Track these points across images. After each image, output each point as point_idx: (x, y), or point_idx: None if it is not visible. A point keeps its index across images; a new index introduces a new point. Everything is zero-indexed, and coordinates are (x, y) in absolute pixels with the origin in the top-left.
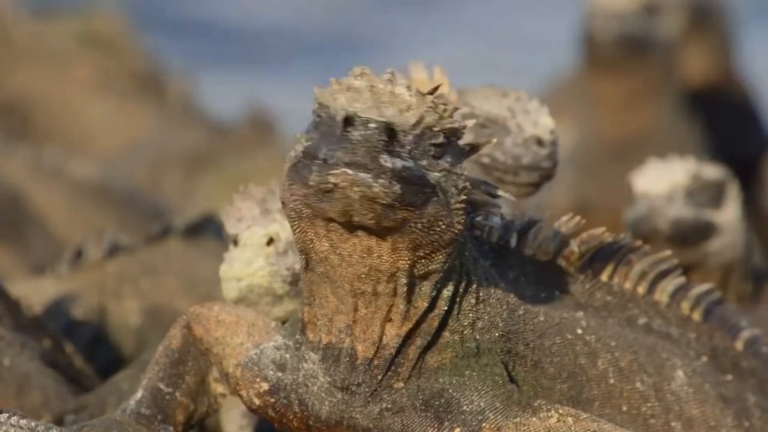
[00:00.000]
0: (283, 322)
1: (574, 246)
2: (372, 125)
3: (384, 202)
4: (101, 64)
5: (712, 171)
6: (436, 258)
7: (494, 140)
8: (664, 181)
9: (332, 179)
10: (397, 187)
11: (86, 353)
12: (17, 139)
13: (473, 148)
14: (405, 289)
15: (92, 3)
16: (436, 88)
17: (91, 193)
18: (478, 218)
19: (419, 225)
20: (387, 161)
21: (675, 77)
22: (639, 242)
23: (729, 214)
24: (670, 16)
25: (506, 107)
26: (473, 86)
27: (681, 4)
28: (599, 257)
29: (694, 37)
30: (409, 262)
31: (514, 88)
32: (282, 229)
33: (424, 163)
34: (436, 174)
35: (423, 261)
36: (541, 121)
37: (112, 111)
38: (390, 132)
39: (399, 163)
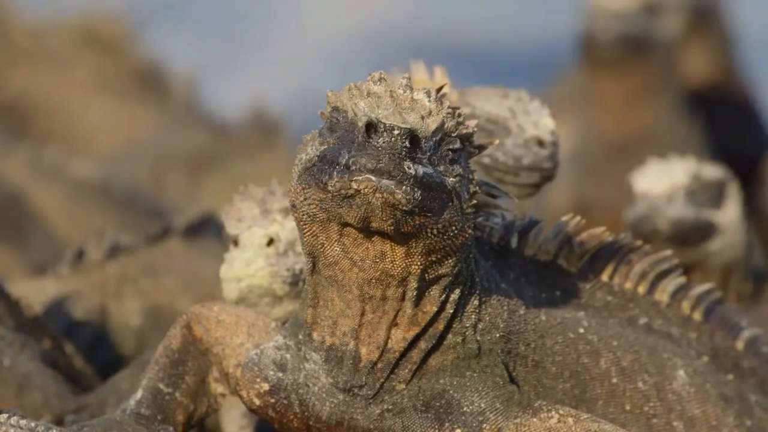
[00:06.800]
0: (283, 323)
1: (575, 246)
2: (396, 132)
3: (405, 208)
4: (101, 64)
5: (713, 171)
6: (447, 262)
7: (497, 141)
8: (664, 181)
9: (355, 185)
10: (418, 194)
11: (87, 353)
12: (17, 139)
13: (479, 149)
14: (414, 293)
15: (93, 3)
16: (440, 88)
17: (92, 193)
18: (479, 219)
19: (435, 230)
20: (410, 168)
21: (675, 77)
22: (639, 242)
23: (729, 214)
24: (670, 16)
25: (507, 108)
26: (474, 86)
27: (681, 4)
28: (600, 257)
29: (694, 37)
30: (421, 266)
31: (515, 88)
32: (282, 229)
33: (441, 168)
34: (452, 179)
35: (434, 265)
36: (541, 122)
37: (112, 111)
38: (413, 138)
39: (421, 170)
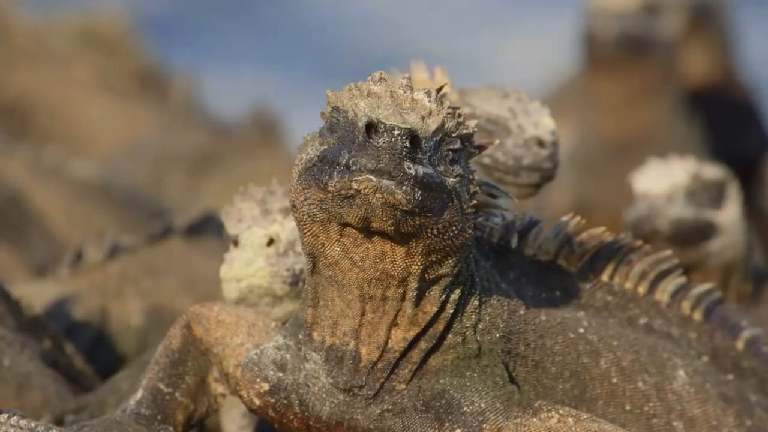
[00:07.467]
0: (283, 323)
1: (575, 246)
2: (396, 132)
3: (405, 208)
4: (102, 64)
5: (713, 171)
6: (447, 262)
7: (497, 141)
8: (664, 181)
9: (355, 185)
10: (418, 194)
11: (87, 354)
12: (18, 139)
13: (479, 149)
14: (414, 293)
15: (93, 3)
16: (440, 88)
17: (92, 193)
18: (479, 219)
19: (435, 230)
20: (410, 168)
21: (675, 77)
22: (639, 242)
23: (729, 214)
24: (670, 16)
25: (507, 108)
26: (474, 86)
27: (681, 4)
28: (600, 257)
29: (694, 37)
30: (421, 266)
31: (515, 88)
32: (282, 229)
33: (441, 168)
34: (452, 179)
35: (434, 265)
36: (541, 122)
37: (112, 111)
38: (413, 139)
39: (421, 170)
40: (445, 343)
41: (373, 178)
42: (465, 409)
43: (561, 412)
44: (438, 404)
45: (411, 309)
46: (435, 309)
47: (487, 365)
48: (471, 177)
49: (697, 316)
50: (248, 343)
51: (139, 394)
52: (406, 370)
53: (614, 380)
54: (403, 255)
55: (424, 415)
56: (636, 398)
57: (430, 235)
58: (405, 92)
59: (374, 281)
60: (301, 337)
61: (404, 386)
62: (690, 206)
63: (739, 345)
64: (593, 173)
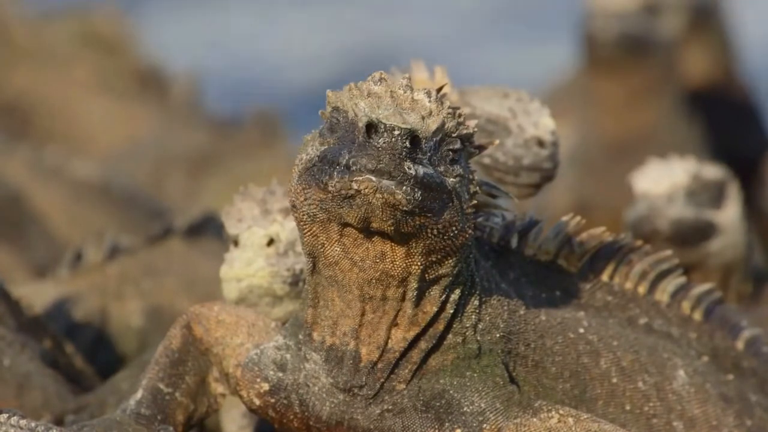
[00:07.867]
0: (283, 323)
1: (575, 246)
2: (396, 132)
3: (405, 209)
4: (101, 64)
5: (713, 171)
6: (447, 262)
7: (497, 141)
8: (664, 181)
9: (355, 186)
10: (418, 194)
11: (87, 355)
12: (18, 139)
13: (479, 149)
14: (414, 293)
15: (92, 3)
16: (441, 88)
17: (92, 193)
18: (479, 219)
19: (435, 230)
20: (411, 168)
21: (675, 77)
22: (639, 242)
23: (729, 214)
24: (670, 16)
25: (507, 108)
26: (475, 86)
27: (681, 4)
28: (600, 257)
29: (694, 37)
30: (421, 267)
31: (515, 88)
32: (282, 229)
33: (441, 168)
34: (452, 179)
35: (434, 266)
36: (542, 122)
37: (112, 111)
38: (413, 139)
39: (421, 170)
40: (445, 343)
41: (373, 178)
42: (465, 409)
43: (561, 412)
44: (438, 404)
45: (411, 309)
46: (435, 309)
47: (487, 365)
48: (471, 177)
49: (697, 316)
50: (248, 343)
51: (139, 394)
52: (406, 370)
53: (614, 380)
54: (403, 255)
55: (424, 415)
56: (636, 398)
57: (430, 235)
58: (405, 92)
59: (374, 281)
60: (301, 337)
61: (404, 386)
62: (690, 206)
63: (739, 345)
64: (593, 173)
